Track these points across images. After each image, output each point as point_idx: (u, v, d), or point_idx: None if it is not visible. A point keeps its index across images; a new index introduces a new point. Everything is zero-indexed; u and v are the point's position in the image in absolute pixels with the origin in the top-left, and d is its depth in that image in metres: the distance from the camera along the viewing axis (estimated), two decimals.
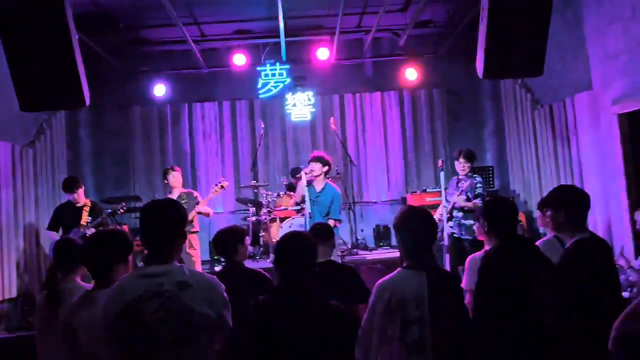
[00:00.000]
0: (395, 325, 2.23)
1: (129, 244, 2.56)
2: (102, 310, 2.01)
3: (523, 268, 2.42)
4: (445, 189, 5.55)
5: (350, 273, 3.48)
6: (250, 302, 2.25)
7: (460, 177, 5.67)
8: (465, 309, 2.46)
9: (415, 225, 2.39)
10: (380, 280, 2.38)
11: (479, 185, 5.49)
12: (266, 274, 3.24)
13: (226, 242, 3.37)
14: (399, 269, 2.41)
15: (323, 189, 5.75)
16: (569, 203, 2.79)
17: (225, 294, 2.10)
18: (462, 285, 3.07)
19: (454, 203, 5.48)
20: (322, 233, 3.42)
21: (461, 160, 5.66)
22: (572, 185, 3.23)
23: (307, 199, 5.61)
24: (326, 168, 5.76)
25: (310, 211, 5.56)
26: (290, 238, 2.38)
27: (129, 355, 1.94)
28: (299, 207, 6.71)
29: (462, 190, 5.48)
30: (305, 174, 5.63)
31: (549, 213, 2.90)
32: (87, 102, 4.25)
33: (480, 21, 3.93)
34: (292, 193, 7.52)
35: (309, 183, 5.72)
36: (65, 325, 2.34)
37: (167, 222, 2.11)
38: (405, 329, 2.22)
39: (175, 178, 6.07)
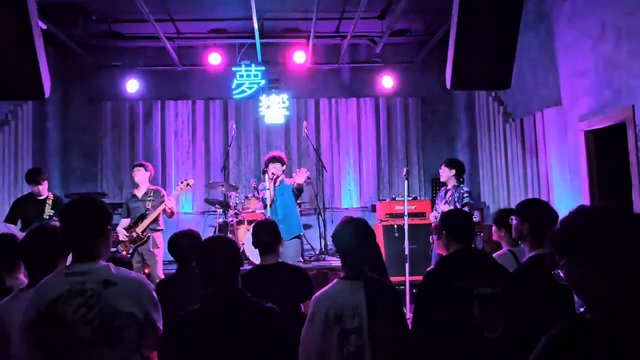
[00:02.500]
0: (333, 337, 2.18)
1: None
2: (25, 311, 1.93)
3: (471, 280, 2.39)
4: (415, 198, 5.51)
5: (299, 274, 3.33)
6: (181, 312, 2.16)
7: (448, 187, 5.62)
8: (404, 319, 2.43)
9: (350, 235, 2.35)
10: (317, 293, 2.33)
11: (465, 195, 5.38)
12: None
13: (182, 247, 3.27)
14: (335, 279, 2.36)
15: (281, 184, 5.73)
16: (536, 216, 2.75)
17: (154, 294, 2.03)
18: None
19: (442, 213, 5.46)
20: (271, 235, 3.32)
21: (443, 167, 5.65)
22: (545, 201, 3.20)
23: (267, 202, 5.55)
24: (284, 167, 5.74)
25: (269, 215, 5.49)
26: (215, 244, 2.28)
27: (50, 357, 1.86)
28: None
29: (448, 201, 5.43)
30: (271, 179, 5.56)
31: (515, 223, 2.86)
32: (47, 93, 4.11)
33: (450, 33, 3.94)
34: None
35: (278, 184, 5.69)
36: None
37: (86, 221, 2.05)
38: (343, 340, 2.18)
39: (139, 174, 5.85)
